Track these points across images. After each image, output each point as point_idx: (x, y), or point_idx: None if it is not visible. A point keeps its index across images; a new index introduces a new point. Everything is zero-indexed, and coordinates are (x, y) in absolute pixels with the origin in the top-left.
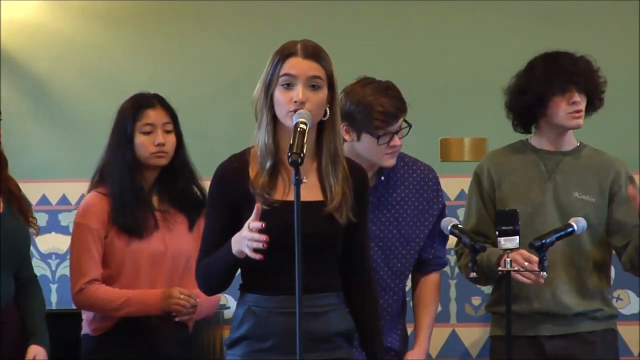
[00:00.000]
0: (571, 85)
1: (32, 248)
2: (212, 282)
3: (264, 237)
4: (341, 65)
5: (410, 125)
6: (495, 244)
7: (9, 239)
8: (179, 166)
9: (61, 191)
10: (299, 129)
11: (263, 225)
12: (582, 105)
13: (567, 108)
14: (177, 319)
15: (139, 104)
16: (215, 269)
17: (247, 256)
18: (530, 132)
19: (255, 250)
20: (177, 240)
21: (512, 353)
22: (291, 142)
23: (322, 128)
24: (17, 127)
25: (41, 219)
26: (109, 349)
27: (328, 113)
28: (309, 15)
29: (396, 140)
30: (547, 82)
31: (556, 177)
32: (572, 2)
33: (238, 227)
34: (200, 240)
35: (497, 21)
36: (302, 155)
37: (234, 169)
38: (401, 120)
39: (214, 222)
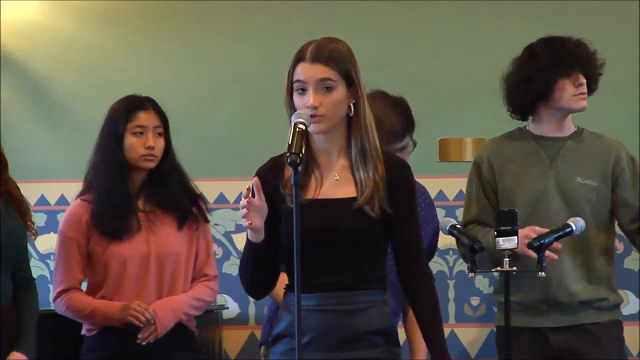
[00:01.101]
0: (577, 68)
1: (30, 248)
2: (247, 281)
3: (245, 201)
4: None
5: (415, 144)
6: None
7: (7, 238)
8: (167, 170)
9: (60, 191)
10: (297, 129)
11: (246, 196)
12: (586, 87)
13: (573, 90)
14: (140, 340)
15: (132, 105)
16: (245, 262)
17: (283, 251)
18: (526, 120)
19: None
20: (162, 240)
21: (512, 348)
22: (289, 142)
23: (350, 125)
24: (16, 127)
25: (40, 219)
26: (101, 349)
27: (353, 110)
28: (309, 15)
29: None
30: (553, 68)
31: (557, 163)
32: (571, 2)
33: (276, 227)
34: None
35: (497, 21)
36: (300, 155)
37: (270, 170)
38: (407, 137)
39: None
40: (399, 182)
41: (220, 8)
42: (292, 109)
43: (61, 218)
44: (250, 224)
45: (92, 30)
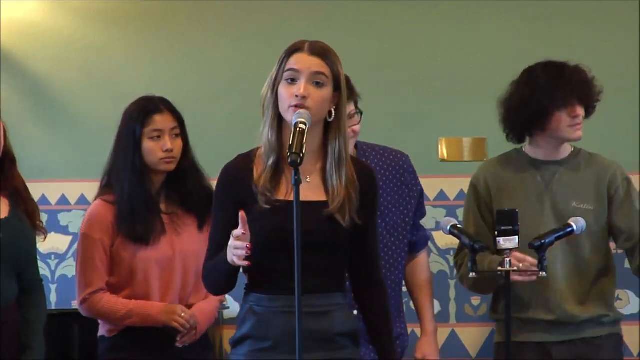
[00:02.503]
0: (574, 98)
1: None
2: (217, 285)
3: (245, 244)
4: None
5: (361, 112)
6: (494, 253)
7: (11, 242)
8: (186, 168)
9: (60, 191)
10: (298, 129)
11: (244, 233)
12: (582, 117)
13: (568, 121)
14: (177, 343)
15: (146, 109)
16: (217, 274)
17: (247, 259)
18: (522, 142)
19: (245, 258)
20: (185, 242)
21: (511, 356)
22: (290, 141)
23: (328, 129)
24: (17, 127)
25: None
26: (123, 350)
27: (334, 115)
28: (309, 15)
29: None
30: (550, 98)
31: (553, 187)
32: (571, 2)
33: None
34: (208, 241)
35: (497, 21)
36: (301, 155)
37: (239, 168)
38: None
39: (220, 222)
40: (368, 190)
41: (220, 8)
42: (274, 101)
43: (62, 218)
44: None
45: (92, 30)
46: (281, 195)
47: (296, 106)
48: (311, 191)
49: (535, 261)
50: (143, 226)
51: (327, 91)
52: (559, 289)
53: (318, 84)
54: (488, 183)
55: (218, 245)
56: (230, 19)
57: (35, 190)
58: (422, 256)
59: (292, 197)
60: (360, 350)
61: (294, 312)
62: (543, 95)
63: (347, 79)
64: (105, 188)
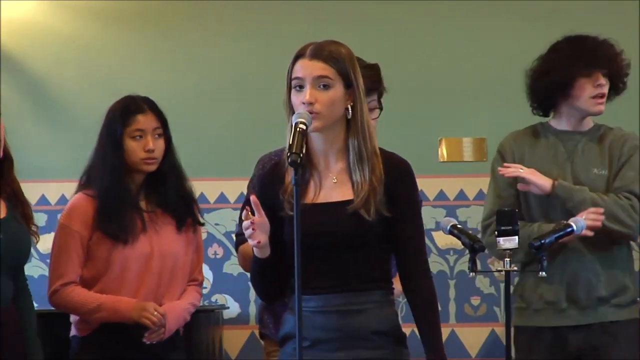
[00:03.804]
0: (596, 68)
1: (32, 249)
2: (258, 289)
3: (248, 222)
4: None
5: (381, 108)
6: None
7: (11, 242)
8: (167, 169)
9: (60, 191)
10: (298, 129)
11: (247, 214)
12: (606, 89)
13: (591, 91)
14: (145, 339)
15: (129, 108)
16: (254, 278)
17: (284, 258)
18: (548, 116)
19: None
20: (164, 241)
21: (510, 348)
22: (290, 141)
23: (348, 127)
24: (17, 127)
25: (40, 219)
26: (95, 350)
27: (350, 112)
28: (309, 15)
29: None
30: (572, 64)
31: (575, 157)
32: (571, 2)
33: (277, 232)
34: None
35: (497, 21)
36: (301, 155)
37: (271, 174)
38: (368, 98)
39: None
40: (399, 184)
41: (220, 8)
42: (290, 108)
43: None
44: (258, 242)
45: (92, 29)
46: (308, 199)
47: (309, 113)
48: (337, 191)
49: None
50: (121, 225)
51: (335, 92)
52: (578, 257)
53: (324, 87)
54: (514, 151)
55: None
56: (230, 19)
57: (35, 190)
58: None
59: (318, 200)
60: (404, 349)
61: (330, 311)
62: (567, 62)
63: (378, 69)
64: (85, 184)
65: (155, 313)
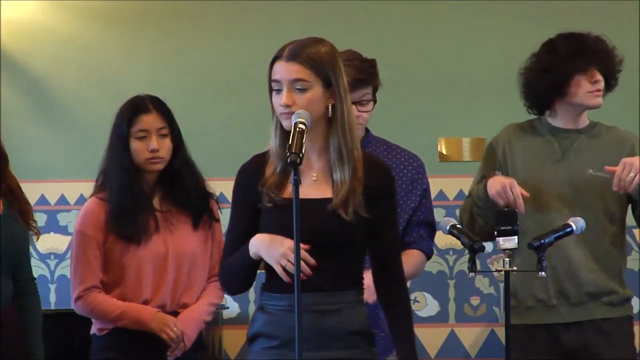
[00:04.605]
0: (594, 64)
1: (30, 248)
2: (233, 282)
3: (307, 272)
4: None
5: (375, 100)
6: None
7: (9, 241)
8: (179, 167)
9: (60, 191)
10: (297, 129)
11: (313, 263)
12: (602, 85)
13: (588, 87)
14: (170, 356)
15: (135, 108)
16: (235, 270)
17: (260, 259)
18: (543, 115)
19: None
20: (179, 240)
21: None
22: (290, 142)
23: (330, 126)
24: (16, 127)
25: (40, 219)
26: (114, 349)
27: (331, 111)
28: (308, 15)
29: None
30: (570, 62)
31: (570, 155)
32: (571, 2)
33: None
34: (224, 239)
35: (497, 21)
36: (300, 155)
37: (251, 169)
38: (364, 90)
39: (236, 221)
40: (379, 187)
41: (220, 8)
42: (273, 109)
43: (61, 218)
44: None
45: (92, 29)
46: (287, 195)
47: (282, 115)
48: (317, 188)
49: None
50: (133, 225)
51: (312, 93)
52: (568, 255)
53: (301, 89)
54: (505, 148)
55: (235, 243)
56: (230, 19)
57: (35, 190)
58: (412, 250)
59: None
60: (373, 348)
61: (304, 311)
62: (563, 61)
63: (374, 64)
64: (100, 187)
65: (175, 329)
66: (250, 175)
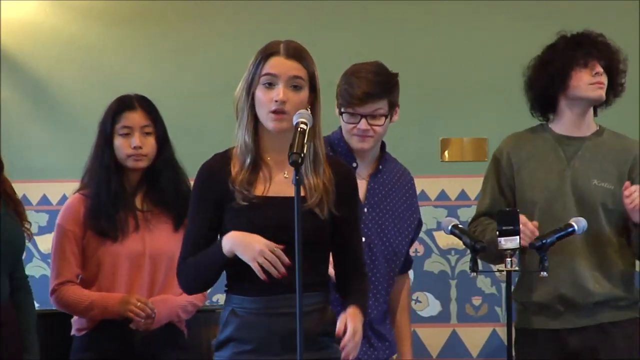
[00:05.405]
0: (592, 57)
1: (32, 248)
2: (196, 281)
3: (282, 271)
4: (339, 65)
5: (387, 116)
6: None
7: (7, 239)
8: (160, 167)
9: (61, 191)
10: (299, 129)
11: (287, 263)
12: (604, 79)
13: (589, 79)
14: (131, 325)
15: (120, 106)
16: (201, 268)
17: (234, 257)
18: (547, 119)
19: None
20: (158, 240)
21: (512, 349)
22: (292, 142)
23: None
24: (17, 127)
25: (41, 218)
26: (91, 349)
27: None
28: (308, 16)
29: (362, 124)
30: (570, 54)
31: (575, 163)
32: (571, 2)
33: (221, 225)
34: (183, 238)
35: (497, 21)
36: (302, 155)
37: (216, 167)
38: (376, 105)
39: (199, 220)
40: (346, 187)
41: (220, 8)
42: (249, 103)
43: None
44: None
45: (93, 29)
46: (259, 192)
47: (275, 111)
48: (290, 186)
49: (534, 229)
50: (109, 222)
51: (304, 94)
52: (575, 266)
53: (295, 87)
54: (511, 158)
55: (197, 243)
56: (230, 19)
57: (36, 190)
58: (406, 277)
59: (269, 194)
60: (338, 347)
61: (277, 314)
62: (563, 53)
63: (389, 79)
64: (83, 185)
65: (139, 304)
66: (215, 172)
